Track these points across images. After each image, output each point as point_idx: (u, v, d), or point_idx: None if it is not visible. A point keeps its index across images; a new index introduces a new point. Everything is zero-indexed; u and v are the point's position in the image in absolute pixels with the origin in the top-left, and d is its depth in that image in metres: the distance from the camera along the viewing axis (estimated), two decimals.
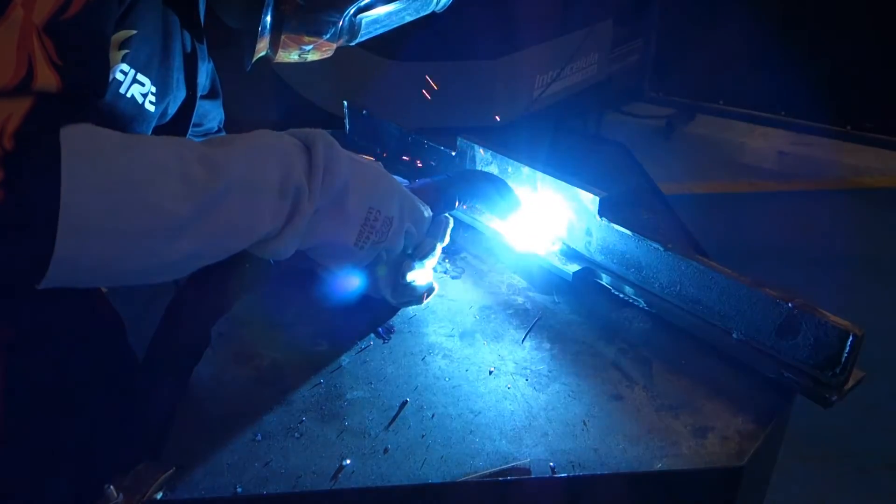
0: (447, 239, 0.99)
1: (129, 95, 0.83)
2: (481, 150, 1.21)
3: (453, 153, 1.27)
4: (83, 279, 0.70)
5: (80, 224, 0.61)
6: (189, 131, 1.06)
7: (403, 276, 0.96)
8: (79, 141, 0.62)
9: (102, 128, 0.66)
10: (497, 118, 2.96)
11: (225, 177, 0.71)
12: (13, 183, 0.58)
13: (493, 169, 1.19)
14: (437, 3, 1.05)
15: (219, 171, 0.70)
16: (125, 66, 0.82)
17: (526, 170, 1.13)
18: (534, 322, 1.01)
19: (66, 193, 0.60)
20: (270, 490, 0.75)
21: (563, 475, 0.77)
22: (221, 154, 0.72)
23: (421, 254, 0.95)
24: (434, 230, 0.96)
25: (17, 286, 0.68)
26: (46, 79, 0.62)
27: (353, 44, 1.03)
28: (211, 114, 1.21)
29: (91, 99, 0.73)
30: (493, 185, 1.09)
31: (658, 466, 0.78)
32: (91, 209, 0.62)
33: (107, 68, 0.75)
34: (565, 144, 1.68)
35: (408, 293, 0.99)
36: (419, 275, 0.97)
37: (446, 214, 1.00)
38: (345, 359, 0.94)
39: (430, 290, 1.00)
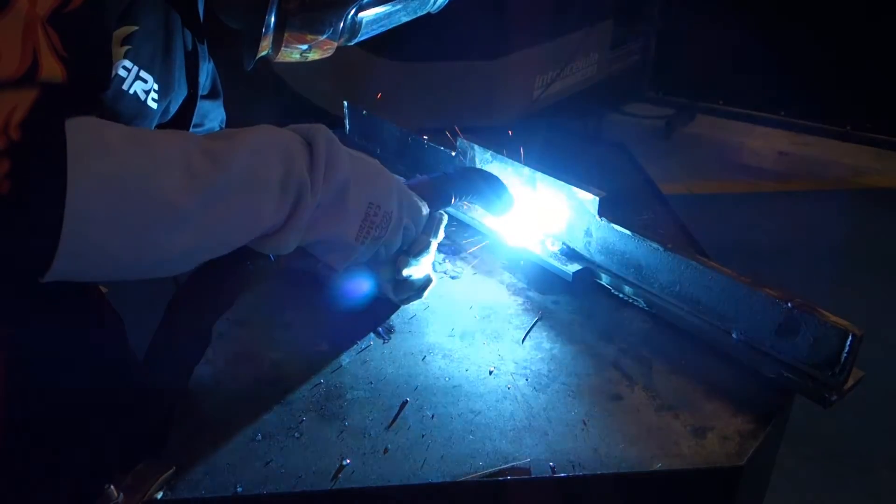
0: (441, 235, 1.00)
1: (131, 92, 0.83)
2: (481, 150, 1.21)
3: (453, 153, 1.28)
4: (86, 273, 0.70)
5: (85, 216, 0.62)
6: (190, 130, 1.06)
7: (400, 272, 0.96)
8: (84, 133, 0.62)
9: (107, 121, 0.66)
10: (496, 118, 2.96)
11: (228, 170, 0.71)
12: (19, 174, 0.58)
13: (493, 169, 1.19)
14: (434, 4, 1.05)
15: (222, 164, 0.71)
16: (128, 63, 0.82)
17: (526, 170, 1.13)
18: (534, 322, 1.01)
19: (71, 185, 0.60)
20: (270, 490, 0.75)
21: (563, 475, 0.77)
22: (224, 148, 0.73)
23: (416, 250, 0.96)
24: (428, 226, 0.97)
25: (21, 280, 0.68)
26: (51, 70, 0.62)
27: (352, 43, 1.03)
28: (212, 113, 1.21)
29: (95, 93, 0.73)
30: (488, 183, 1.09)
31: (658, 466, 0.78)
32: (96, 201, 0.62)
33: (110, 62, 0.76)
34: (564, 145, 1.68)
35: (407, 288, 0.99)
36: (416, 270, 0.98)
37: (441, 211, 1.00)
38: (345, 359, 0.94)
39: (428, 282, 1.01)
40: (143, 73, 0.85)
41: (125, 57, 0.81)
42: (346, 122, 1.57)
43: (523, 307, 1.05)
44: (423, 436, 0.82)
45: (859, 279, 2.81)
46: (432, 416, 0.85)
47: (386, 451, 0.80)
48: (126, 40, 0.80)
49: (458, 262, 1.16)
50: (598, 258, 1.08)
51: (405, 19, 1.06)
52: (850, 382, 0.84)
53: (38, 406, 0.87)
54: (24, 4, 0.62)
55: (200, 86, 1.07)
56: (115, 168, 0.64)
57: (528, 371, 0.92)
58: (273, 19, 0.91)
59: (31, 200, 0.60)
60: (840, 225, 3.20)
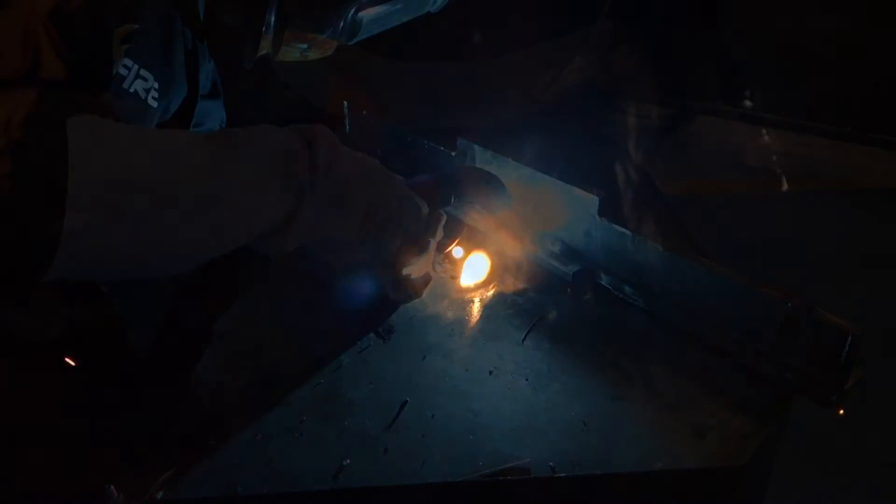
0: (440, 234, 1.00)
1: (132, 90, 0.83)
2: (481, 150, 1.21)
3: (453, 153, 1.27)
4: (87, 271, 0.70)
5: (86, 214, 0.62)
6: (190, 130, 1.07)
7: (399, 272, 0.96)
8: (85, 131, 0.63)
9: (107, 119, 0.67)
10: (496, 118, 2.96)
11: (229, 170, 0.71)
12: (20, 172, 0.58)
13: (493, 169, 1.19)
14: (433, 4, 1.05)
15: (223, 163, 0.71)
16: (128, 61, 0.82)
17: (526, 170, 1.13)
18: (534, 322, 1.01)
19: (71, 184, 0.60)
20: (270, 490, 0.75)
21: (563, 475, 0.77)
22: (225, 147, 0.73)
23: (415, 250, 0.96)
24: (428, 226, 0.97)
25: (22, 279, 0.68)
26: (52, 67, 0.63)
27: (352, 42, 1.03)
28: (212, 113, 1.21)
29: (96, 91, 0.73)
30: (487, 182, 1.09)
31: (658, 466, 0.78)
32: (96, 199, 0.62)
33: (110, 60, 0.76)
34: (564, 144, 1.68)
35: (407, 287, 0.99)
36: (415, 269, 0.98)
37: (440, 210, 1.00)
38: (345, 359, 0.94)
39: (427, 280, 1.01)
40: (143, 72, 0.85)
41: (126, 55, 0.81)
42: (346, 122, 1.57)
43: (523, 307, 1.05)
44: (423, 436, 0.82)
45: (859, 279, 2.81)
46: (432, 416, 0.85)
47: (386, 451, 0.80)
48: (126, 38, 0.80)
49: (458, 263, 1.16)
50: (599, 258, 1.08)
51: (405, 19, 1.06)
52: (850, 382, 0.84)
53: (39, 406, 0.87)
54: (25, 2, 0.62)
55: (200, 85, 1.07)
56: (115, 166, 0.64)
57: (528, 371, 0.92)
58: (273, 18, 0.91)
59: (32, 199, 0.60)
60: (840, 225, 3.20)
